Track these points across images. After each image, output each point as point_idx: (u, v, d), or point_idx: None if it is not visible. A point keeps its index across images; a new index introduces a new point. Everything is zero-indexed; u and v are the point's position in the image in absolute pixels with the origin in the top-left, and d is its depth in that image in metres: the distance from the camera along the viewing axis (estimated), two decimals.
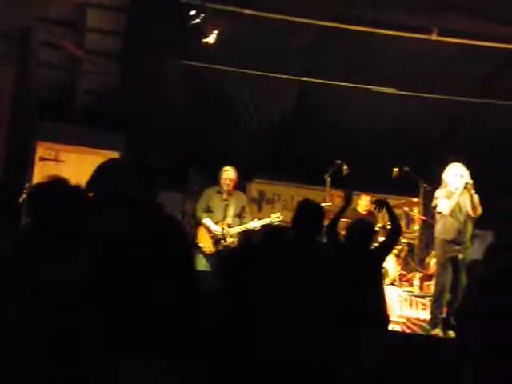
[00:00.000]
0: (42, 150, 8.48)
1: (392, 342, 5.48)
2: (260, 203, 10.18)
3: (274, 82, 8.21)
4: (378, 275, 5.24)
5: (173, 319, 3.00)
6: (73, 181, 3.24)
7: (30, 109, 7.74)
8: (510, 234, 8.12)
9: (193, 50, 7.51)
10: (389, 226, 8.71)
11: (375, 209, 5.68)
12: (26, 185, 7.10)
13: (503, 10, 6.87)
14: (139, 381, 2.72)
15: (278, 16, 7.00)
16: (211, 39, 6.97)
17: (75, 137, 8.40)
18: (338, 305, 4.40)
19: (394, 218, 5.38)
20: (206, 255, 7.08)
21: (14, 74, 7.35)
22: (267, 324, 3.94)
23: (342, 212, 5.33)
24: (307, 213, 4.52)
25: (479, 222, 6.86)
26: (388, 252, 5.53)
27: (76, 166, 8.28)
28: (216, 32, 6.96)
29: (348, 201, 5.43)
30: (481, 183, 6.69)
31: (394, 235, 5.43)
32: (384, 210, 5.44)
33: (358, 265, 5.02)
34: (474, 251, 6.63)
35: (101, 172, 3.93)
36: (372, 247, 5.49)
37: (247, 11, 6.87)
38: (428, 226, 8.38)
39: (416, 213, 8.68)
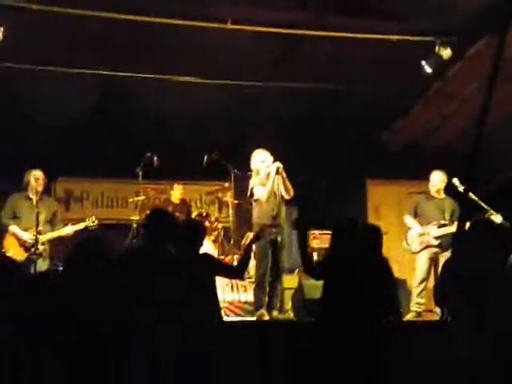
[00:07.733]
0: None
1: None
2: (67, 202, 9.70)
3: (72, 77, 7.87)
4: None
5: None
6: None
7: None
8: (311, 208, 9.26)
9: None
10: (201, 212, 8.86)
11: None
12: None
13: None
14: None
15: (68, 10, 6.66)
16: None
17: None
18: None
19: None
20: None
21: None
22: None
23: None
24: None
25: None
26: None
27: None
28: (2, 29, 6.49)
29: None
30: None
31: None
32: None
33: None
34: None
35: None
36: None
37: (35, 6, 6.46)
38: (242, 210, 8.57)
39: (229, 197, 8.85)
